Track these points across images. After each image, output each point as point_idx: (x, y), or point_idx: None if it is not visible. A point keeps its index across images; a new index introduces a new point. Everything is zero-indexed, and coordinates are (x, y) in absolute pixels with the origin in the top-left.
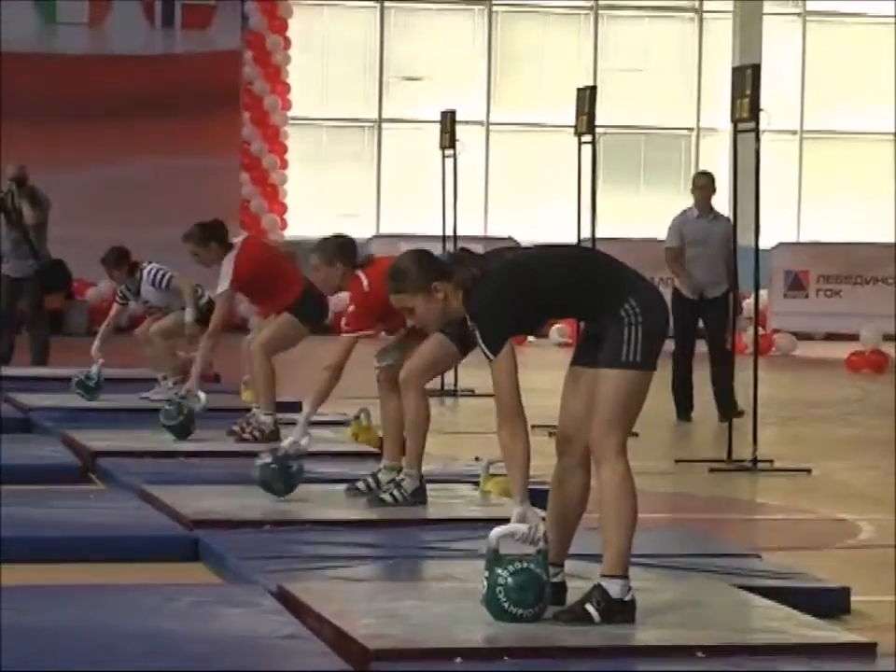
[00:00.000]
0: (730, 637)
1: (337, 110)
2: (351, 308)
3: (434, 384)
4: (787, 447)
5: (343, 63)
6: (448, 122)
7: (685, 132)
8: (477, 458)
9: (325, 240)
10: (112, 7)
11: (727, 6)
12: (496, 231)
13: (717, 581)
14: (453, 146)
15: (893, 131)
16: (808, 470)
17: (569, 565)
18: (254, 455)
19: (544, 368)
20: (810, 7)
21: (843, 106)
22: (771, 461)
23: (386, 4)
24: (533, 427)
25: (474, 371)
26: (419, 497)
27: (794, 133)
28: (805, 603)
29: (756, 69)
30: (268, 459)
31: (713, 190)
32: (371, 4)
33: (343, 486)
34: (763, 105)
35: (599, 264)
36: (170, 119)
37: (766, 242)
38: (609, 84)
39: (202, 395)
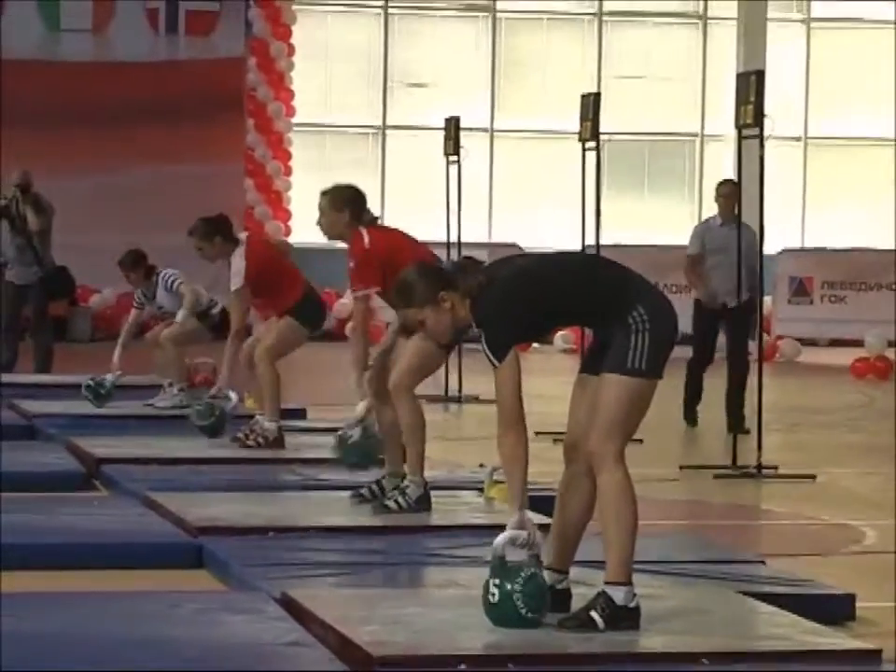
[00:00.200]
0: (735, 643)
1: (341, 117)
2: (351, 265)
3: (438, 390)
4: (791, 453)
5: (347, 69)
6: (452, 129)
7: (689, 138)
8: (481, 465)
9: (337, 186)
10: (116, 13)
11: (731, 12)
12: (500, 237)
13: (722, 588)
14: (457, 152)
15: None
16: (813, 477)
17: (574, 571)
18: (258, 461)
19: (548, 374)
20: (814, 13)
21: (847, 112)
22: (776, 467)
23: (390, 10)
24: (537, 433)
25: (478, 378)
26: (423, 503)
27: (798, 139)
28: (810, 609)
29: (760, 75)
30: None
31: (737, 199)
32: (376, 10)
33: (347, 493)
34: (767, 111)
35: (607, 271)
36: (174, 125)
37: (771, 248)
38: (613, 91)
39: (232, 395)
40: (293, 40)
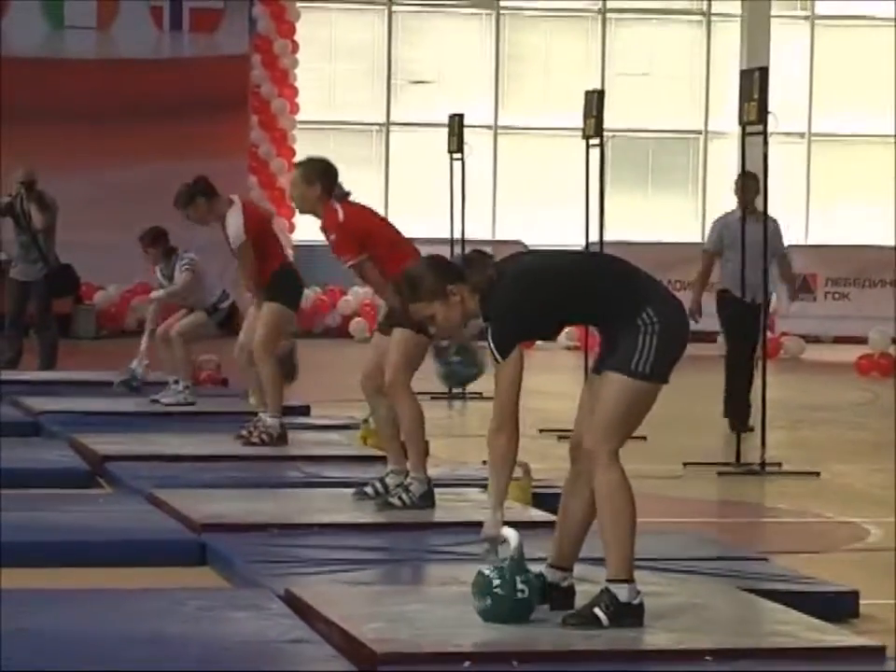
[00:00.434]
0: (738, 640)
1: (345, 114)
2: (332, 238)
3: (442, 387)
4: (795, 450)
5: (351, 66)
6: (456, 126)
7: (693, 135)
8: (485, 462)
9: (310, 159)
10: (120, 10)
11: (735, 9)
12: (504, 234)
13: (725, 585)
14: (461, 149)
15: None
16: (817, 474)
17: (577, 568)
18: (262, 458)
19: (552, 371)
20: (818, 10)
21: (851, 109)
22: (779, 464)
23: (394, 7)
24: (540, 430)
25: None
26: (427, 500)
27: (802, 135)
28: (814, 606)
29: (764, 72)
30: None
31: (757, 191)
32: (379, 7)
33: (351, 490)
34: (771, 108)
35: (618, 271)
36: (178, 122)
37: None
38: (616, 87)
39: None
40: (297, 37)
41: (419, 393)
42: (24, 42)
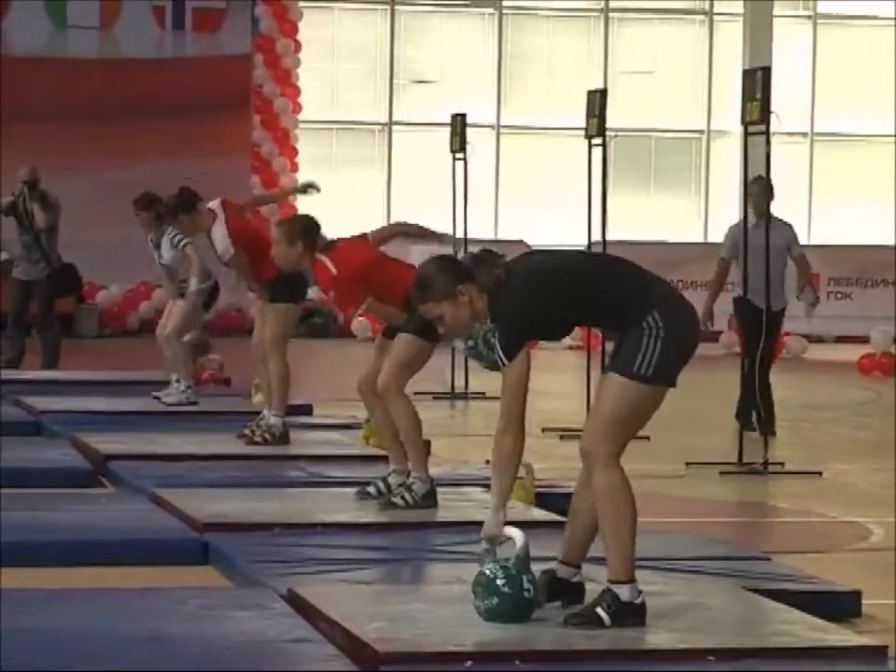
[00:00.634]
0: (740, 640)
1: (347, 113)
2: (332, 294)
3: (444, 387)
4: (798, 450)
5: (354, 66)
6: (458, 125)
7: (696, 134)
8: (487, 461)
9: (291, 218)
10: (122, 10)
11: (737, 8)
12: (506, 234)
13: (727, 584)
14: (463, 149)
15: None
16: (819, 473)
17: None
18: (265, 458)
19: (555, 371)
20: (820, 9)
21: (853, 109)
22: (782, 464)
23: (397, 7)
24: (543, 430)
25: (484, 375)
26: (430, 500)
27: (805, 135)
28: (816, 606)
29: (766, 72)
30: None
31: (770, 196)
32: (382, 7)
33: (353, 489)
34: (773, 107)
35: (626, 274)
36: (180, 122)
37: None
38: (619, 87)
39: None
40: (299, 37)
41: (421, 393)
42: (27, 41)
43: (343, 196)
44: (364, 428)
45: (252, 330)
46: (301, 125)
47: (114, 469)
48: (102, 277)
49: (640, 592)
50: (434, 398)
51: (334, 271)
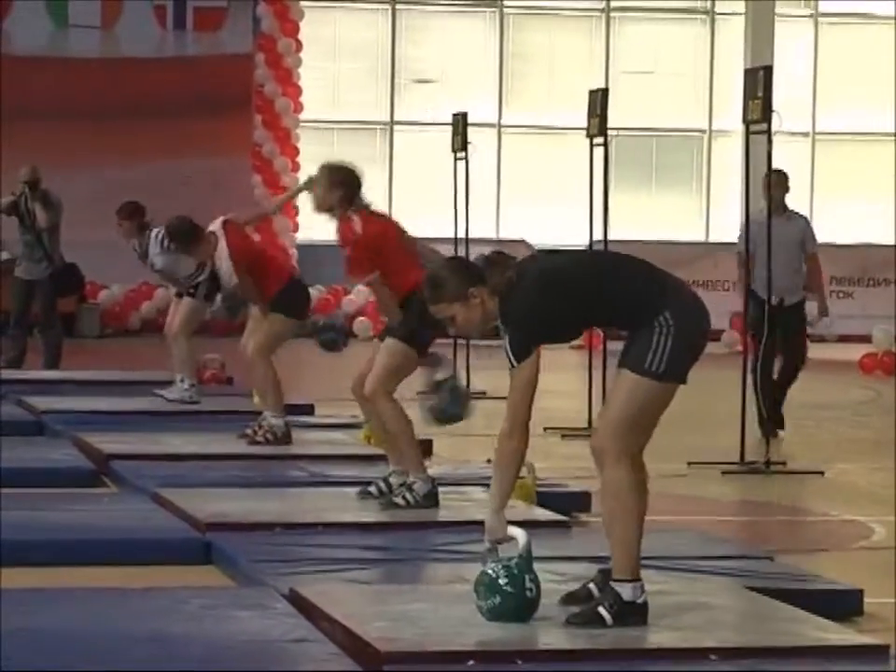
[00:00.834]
0: (742, 639)
1: (349, 112)
2: (348, 252)
3: None
4: (799, 449)
5: (355, 65)
6: (460, 125)
7: (697, 133)
8: (489, 461)
9: (336, 165)
10: (123, 9)
11: (739, 7)
12: (508, 233)
13: (729, 583)
14: (465, 148)
15: None
16: (821, 472)
17: (580, 567)
18: (266, 458)
19: (557, 370)
20: (822, 8)
21: (855, 108)
22: (784, 463)
23: (398, 6)
24: (545, 429)
25: (486, 374)
26: (431, 500)
27: (806, 134)
28: (818, 605)
29: (768, 71)
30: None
31: (786, 189)
32: (383, 6)
33: (355, 489)
34: (775, 106)
35: (638, 273)
36: (182, 121)
37: None
38: (620, 86)
39: None
40: (301, 36)
41: (422, 392)
42: (28, 41)
43: None
44: (365, 428)
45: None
46: (303, 125)
47: (116, 469)
48: (103, 277)
49: (643, 591)
50: None
51: (359, 230)
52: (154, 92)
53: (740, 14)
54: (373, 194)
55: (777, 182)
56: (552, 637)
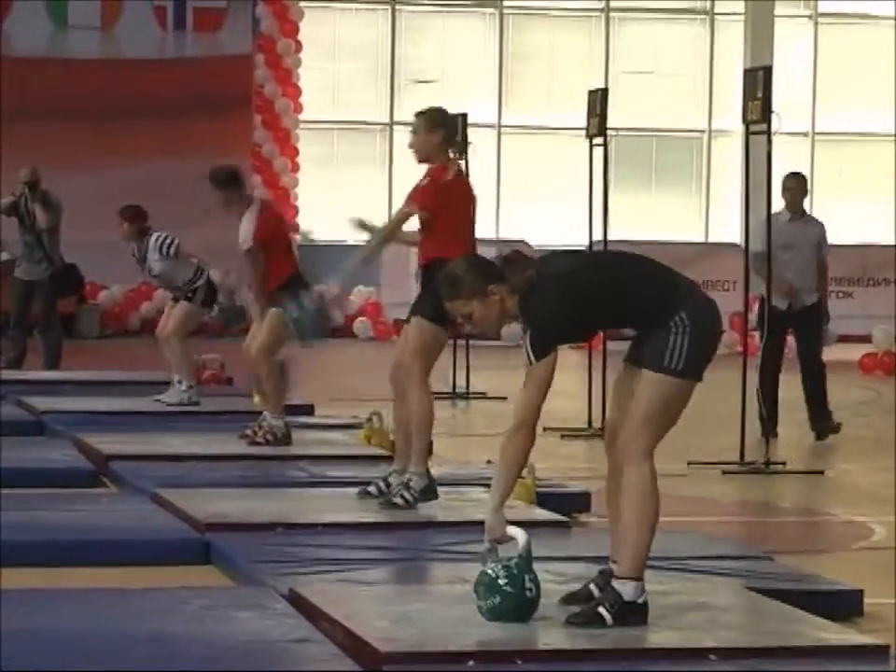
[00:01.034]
0: (742, 639)
1: (348, 113)
2: (426, 181)
3: (446, 386)
4: (799, 449)
5: (355, 65)
6: (460, 125)
7: (697, 134)
8: (489, 461)
9: (434, 108)
10: (123, 10)
11: (738, 8)
12: (508, 233)
13: (729, 584)
14: (464, 148)
15: None
16: (821, 472)
17: (580, 567)
18: (266, 458)
19: (557, 370)
20: (821, 8)
21: (854, 108)
22: (784, 463)
23: (398, 6)
24: (544, 428)
25: (486, 374)
26: (429, 494)
27: (806, 134)
28: (818, 605)
29: (768, 71)
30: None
31: (805, 192)
32: (383, 6)
33: (354, 489)
34: (774, 107)
35: (655, 274)
36: (181, 122)
37: None
38: (620, 86)
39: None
40: (300, 37)
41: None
42: (28, 42)
43: (345, 196)
44: (365, 428)
45: (248, 329)
46: (303, 125)
47: (116, 470)
48: (103, 277)
49: (644, 591)
50: (435, 397)
51: (449, 177)
52: (154, 93)
53: (740, 14)
54: (373, 195)
55: (796, 185)
56: (552, 636)
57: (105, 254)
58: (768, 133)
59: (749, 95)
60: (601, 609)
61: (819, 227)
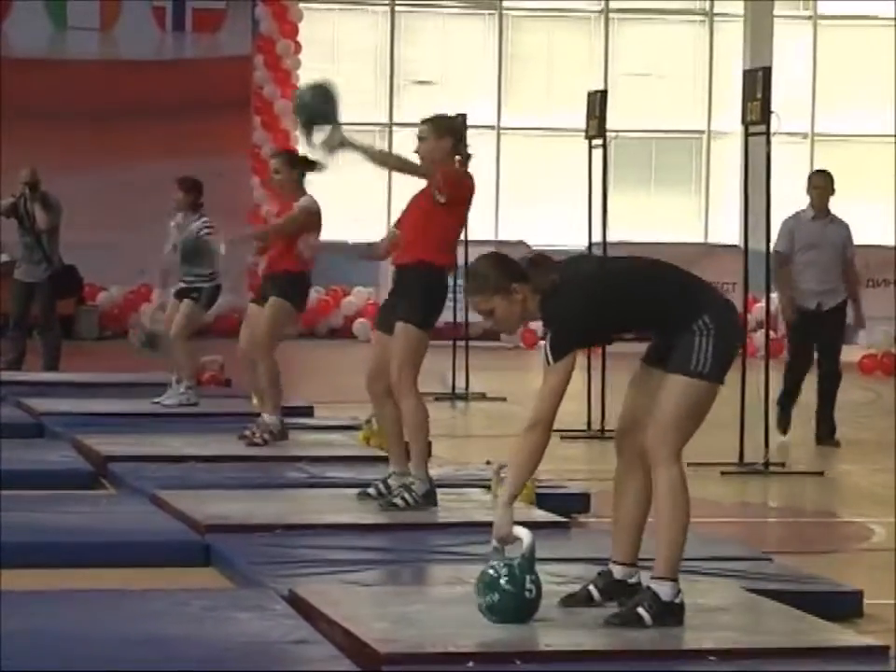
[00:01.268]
0: (742, 640)
1: (348, 114)
2: (452, 169)
3: (445, 387)
4: (799, 450)
5: (354, 67)
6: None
7: (696, 135)
8: (488, 462)
9: (443, 115)
10: (122, 11)
11: (738, 9)
12: (507, 235)
13: (728, 585)
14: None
15: None
16: (821, 473)
17: (580, 568)
18: (266, 459)
19: None
20: (821, 9)
21: (854, 109)
22: (783, 464)
23: (397, 8)
24: None
25: (485, 375)
26: (430, 500)
27: (805, 135)
28: (818, 606)
29: (767, 72)
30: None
31: (832, 191)
32: (382, 8)
33: (354, 490)
34: (773, 107)
35: (677, 280)
36: (181, 123)
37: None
38: (619, 88)
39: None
40: (300, 38)
41: (422, 393)
42: (28, 43)
43: (345, 198)
44: (364, 429)
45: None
46: None
47: (115, 471)
48: (102, 279)
49: (679, 591)
50: (435, 398)
51: (464, 174)
52: (153, 94)
53: (739, 15)
54: (373, 195)
55: (825, 184)
56: (551, 637)
57: (104, 255)
58: (767, 133)
59: (748, 96)
60: (640, 610)
61: (845, 227)
